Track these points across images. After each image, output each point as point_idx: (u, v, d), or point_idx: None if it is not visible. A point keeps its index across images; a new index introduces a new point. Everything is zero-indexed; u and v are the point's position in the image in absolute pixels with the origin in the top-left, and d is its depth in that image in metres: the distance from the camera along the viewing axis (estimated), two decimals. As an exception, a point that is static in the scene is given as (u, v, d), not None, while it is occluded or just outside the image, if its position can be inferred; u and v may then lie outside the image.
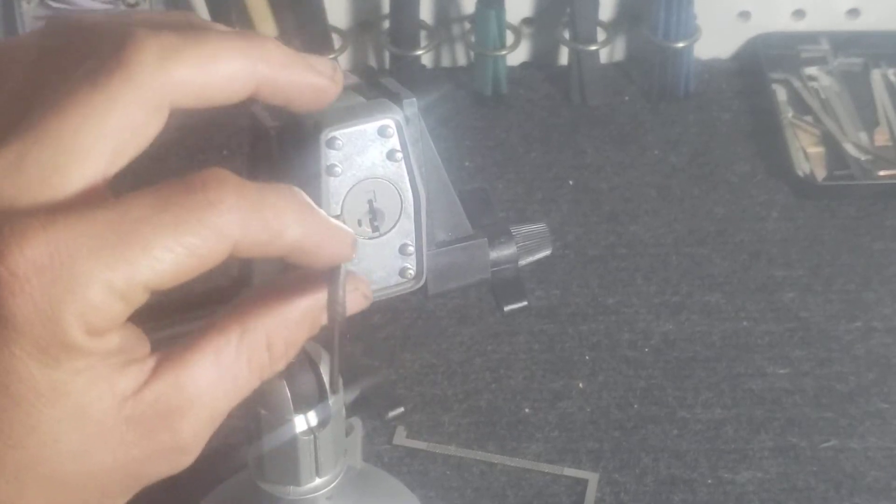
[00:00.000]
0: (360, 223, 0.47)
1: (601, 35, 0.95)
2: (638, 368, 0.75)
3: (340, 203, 0.46)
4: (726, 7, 0.97)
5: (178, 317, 0.50)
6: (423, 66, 0.97)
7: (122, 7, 0.93)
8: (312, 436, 0.53)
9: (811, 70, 0.96)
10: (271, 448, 0.53)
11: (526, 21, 0.98)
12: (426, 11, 0.95)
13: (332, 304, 0.42)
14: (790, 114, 0.92)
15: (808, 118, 0.92)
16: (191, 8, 0.95)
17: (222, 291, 0.50)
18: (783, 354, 0.76)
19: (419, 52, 0.94)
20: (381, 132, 0.45)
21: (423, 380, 0.74)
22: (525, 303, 0.53)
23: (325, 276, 0.42)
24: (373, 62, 0.99)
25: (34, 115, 0.36)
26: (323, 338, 0.43)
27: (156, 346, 0.39)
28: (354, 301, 0.43)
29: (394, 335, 0.77)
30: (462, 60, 0.99)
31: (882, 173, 0.88)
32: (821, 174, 0.88)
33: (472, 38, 0.94)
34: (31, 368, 0.35)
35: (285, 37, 0.94)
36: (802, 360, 0.76)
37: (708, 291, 0.80)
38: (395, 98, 0.47)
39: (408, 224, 0.47)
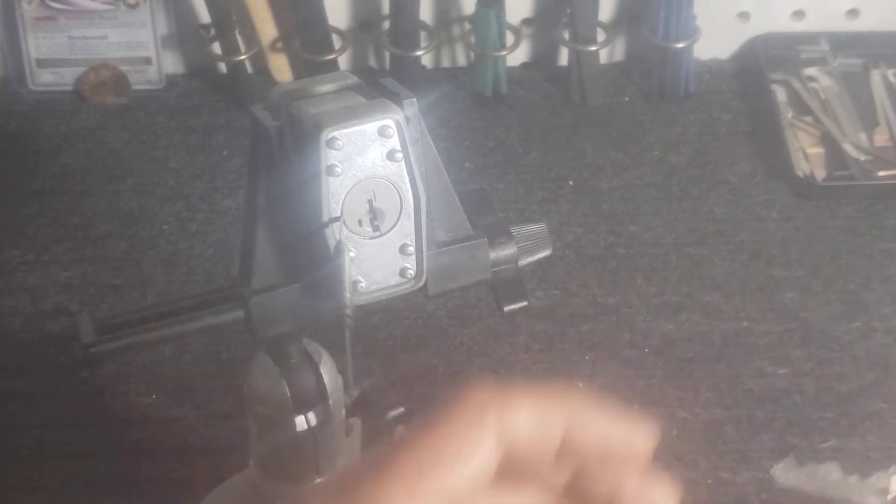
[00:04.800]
0: (360, 223, 0.47)
1: (601, 35, 0.95)
2: (638, 368, 0.75)
3: (340, 203, 0.46)
4: (726, 7, 0.97)
5: (179, 317, 0.50)
6: (423, 67, 0.97)
7: (123, 7, 0.93)
8: (312, 436, 0.53)
9: (811, 70, 0.96)
10: (271, 448, 0.53)
11: (526, 21, 0.98)
12: (426, 12, 0.95)
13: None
14: (790, 114, 0.92)
15: (808, 119, 0.92)
16: (192, 9, 0.95)
17: (222, 291, 0.50)
18: (783, 354, 0.76)
19: (419, 53, 0.94)
20: (382, 132, 0.45)
21: (424, 380, 0.74)
22: (525, 303, 0.53)
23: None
24: (373, 62, 0.99)
25: None
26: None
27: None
28: None
29: (394, 335, 0.77)
30: (462, 61, 0.99)
31: (881, 173, 0.88)
32: (820, 174, 0.88)
33: (472, 39, 0.94)
34: None
35: (285, 37, 0.94)
36: (802, 360, 0.76)
37: (708, 291, 0.80)
38: (395, 98, 0.47)
39: (408, 224, 0.47)
